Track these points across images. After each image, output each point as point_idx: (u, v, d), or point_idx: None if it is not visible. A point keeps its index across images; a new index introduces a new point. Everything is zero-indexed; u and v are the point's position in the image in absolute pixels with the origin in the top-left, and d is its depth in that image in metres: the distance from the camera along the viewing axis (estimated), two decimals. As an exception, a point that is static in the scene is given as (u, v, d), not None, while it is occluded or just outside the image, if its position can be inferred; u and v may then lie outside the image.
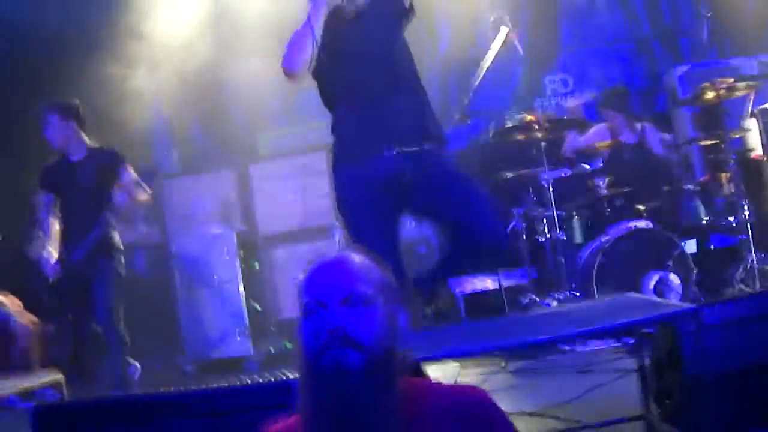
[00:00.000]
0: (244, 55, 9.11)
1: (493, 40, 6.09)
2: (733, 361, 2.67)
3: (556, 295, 6.27)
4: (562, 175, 6.74)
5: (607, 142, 7.05)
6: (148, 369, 8.28)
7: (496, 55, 5.82)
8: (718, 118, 7.26)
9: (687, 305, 2.64)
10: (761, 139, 6.95)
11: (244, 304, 7.51)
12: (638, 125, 7.27)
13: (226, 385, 2.60)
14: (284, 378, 2.35)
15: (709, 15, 6.30)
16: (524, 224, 6.91)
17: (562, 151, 7.25)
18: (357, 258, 2.01)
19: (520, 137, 6.67)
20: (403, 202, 3.91)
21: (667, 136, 7.33)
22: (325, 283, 1.94)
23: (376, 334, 1.89)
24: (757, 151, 7.04)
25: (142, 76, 8.91)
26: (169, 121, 9.73)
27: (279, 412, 2.01)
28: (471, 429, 1.87)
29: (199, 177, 9.21)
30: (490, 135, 8.77)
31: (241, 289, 7.53)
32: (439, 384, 2.10)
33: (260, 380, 2.60)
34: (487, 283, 7.60)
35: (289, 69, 4.07)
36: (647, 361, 3.22)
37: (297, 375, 1.95)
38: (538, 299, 6.61)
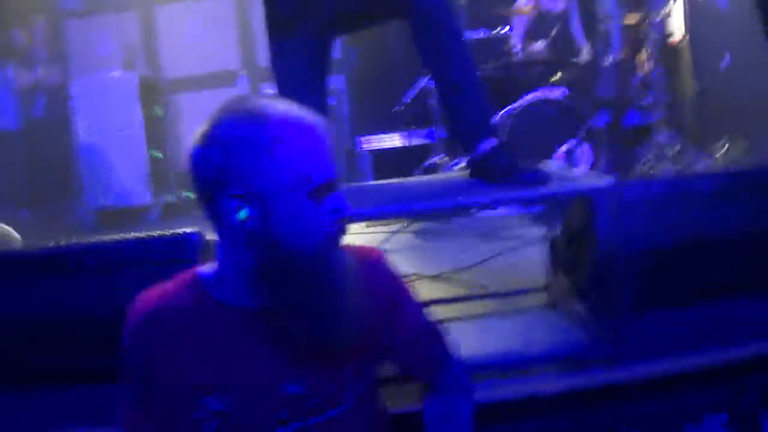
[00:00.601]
0: None
1: None
2: (648, 240, 2.63)
3: (464, 158, 6.17)
4: (480, 35, 6.54)
5: (530, 6, 6.86)
6: (45, 216, 8.10)
7: None
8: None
9: (606, 179, 2.54)
10: (685, 20, 6.86)
11: (145, 151, 7.24)
12: None
13: (117, 237, 2.40)
14: (179, 232, 2.17)
15: None
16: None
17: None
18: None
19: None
20: None
21: None
22: (332, 159, 1.63)
23: None
24: (677, 36, 6.96)
25: None
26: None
27: (171, 267, 1.83)
28: (367, 290, 1.70)
29: (103, 16, 8.80)
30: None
31: (143, 135, 7.25)
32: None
33: (154, 233, 2.41)
34: (396, 140, 7.49)
35: None
36: (557, 232, 3.16)
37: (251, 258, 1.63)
38: (448, 159, 6.52)
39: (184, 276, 1.75)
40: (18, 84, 8.38)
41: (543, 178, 2.62)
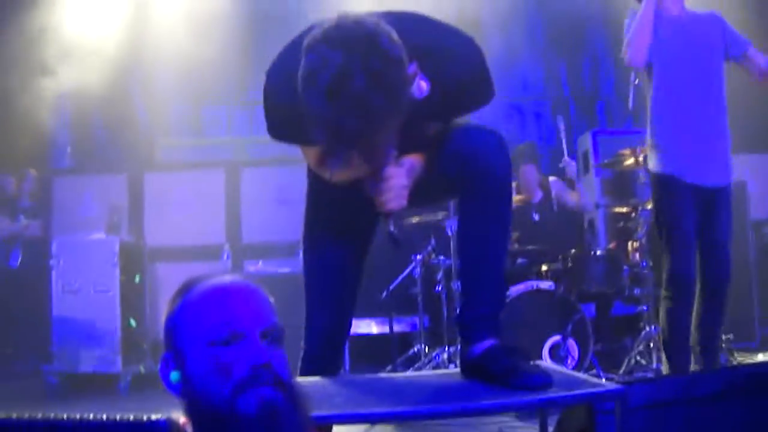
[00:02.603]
0: (155, 60, 8.91)
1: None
2: None
3: (447, 349, 6.06)
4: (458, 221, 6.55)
5: (517, 197, 6.94)
6: (12, 374, 7.87)
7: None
8: (631, 187, 7.23)
9: (611, 385, 2.41)
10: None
11: (119, 317, 7.08)
12: (545, 180, 7.20)
13: (78, 417, 2.21)
14: (144, 419, 1.99)
15: (639, 83, 6.22)
16: (422, 271, 6.74)
17: None
18: (258, 287, 1.74)
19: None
20: None
21: (573, 195, 7.26)
22: (244, 309, 1.65)
23: (289, 378, 1.64)
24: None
25: (49, 66, 8.70)
26: (69, 115, 9.41)
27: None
28: None
29: (91, 177, 8.90)
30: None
31: (119, 301, 7.10)
32: None
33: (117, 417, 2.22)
34: (374, 326, 7.39)
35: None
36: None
37: (187, 417, 1.68)
38: (427, 350, 6.44)
39: None
40: (-1, 231, 8.34)
41: (546, 382, 2.47)
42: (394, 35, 2.13)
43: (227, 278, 1.73)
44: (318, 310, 2.98)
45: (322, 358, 2.98)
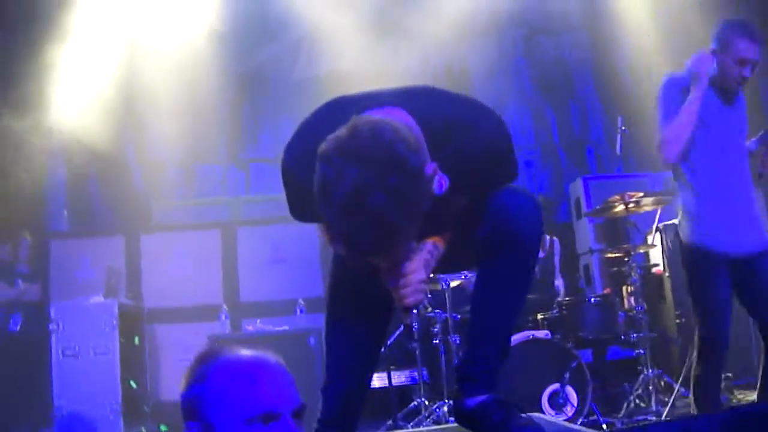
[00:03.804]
0: (149, 122, 8.98)
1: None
2: None
3: (447, 402, 6.07)
4: (462, 278, 6.59)
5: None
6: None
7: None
8: (624, 232, 7.29)
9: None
10: (663, 254, 6.96)
11: (119, 380, 7.08)
12: (547, 238, 7.22)
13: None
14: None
15: (625, 129, 6.30)
16: (419, 325, 6.72)
17: None
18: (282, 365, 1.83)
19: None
20: None
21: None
22: (278, 390, 1.75)
23: None
24: (659, 267, 7.04)
25: (43, 130, 8.76)
26: (65, 179, 9.45)
27: None
28: None
29: (88, 240, 8.89)
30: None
31: (118, 363, 7.11)
32: None
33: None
34: (375, 381, 7.39)
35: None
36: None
37: None
38: (427, 403, 6.44)
39: None
40: (-3, 297, 8.35)
41: None
42: (412, 138, 2.10)
43: (251, 353, 1.80)
44: (337, 376, 2.98)
45: (338, 424, 2.98)
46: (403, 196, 2.02)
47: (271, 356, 1.81)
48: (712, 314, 4.43)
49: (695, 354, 4.55)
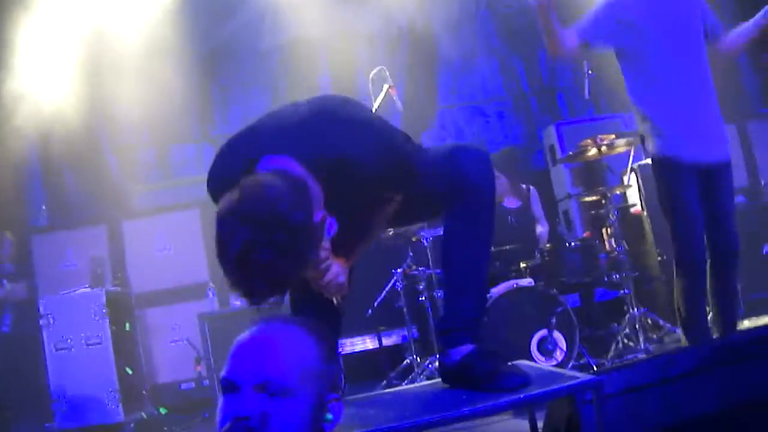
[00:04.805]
0: (117, 107, 8.95)
1: (372, 95, 5.98)
2: (634, 428, 2.63)
3: (438, 356, 6.12)
4: (442, 232, 6.65)
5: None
6: (17, 436, 7.92)
7: (376, 110, 5.70)
8: (599, 174, 7.35)
9: (586, 376, 2.53)
10: (640, 194, 7.03)
11: (115, 367, 7.12)
12: (523, 187, 7.26)
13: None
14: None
15: (592, 74, 6.32)
16: (404, 284, 6.81)
17: None
18: (288, 336, 1.82)
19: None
20: None
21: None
22: (242, 363, 1.77)
23: (290, 431, 1.72)
24: (637, 206, 7.11)
25: (14, 125, 8.71)
26: (41, 173, 9.43)
27: None
28: None
29: (69, 232, 8.90)
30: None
31: (112, 351, 7.14)
32: None
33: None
34: (366, 343, 7.48)
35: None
36: (540, 426, 3.09)
37: None
38: (419, 360, 6.51)
39: None
40: (-15, 299, 8.38)
41: (523, 382, 2.60)
42: (296, 194, 2.34)
43: (260, 328, 1.84)
44: None
45: None
46: (289, 249, 2.25)
47: (271, 330, 1.83)
48: (690, 227, 4.43)
49: (676, 276, 4.56)
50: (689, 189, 4.44)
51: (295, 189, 2.35)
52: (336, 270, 2.80)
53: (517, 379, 2.63)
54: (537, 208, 7.37)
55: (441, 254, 3.00)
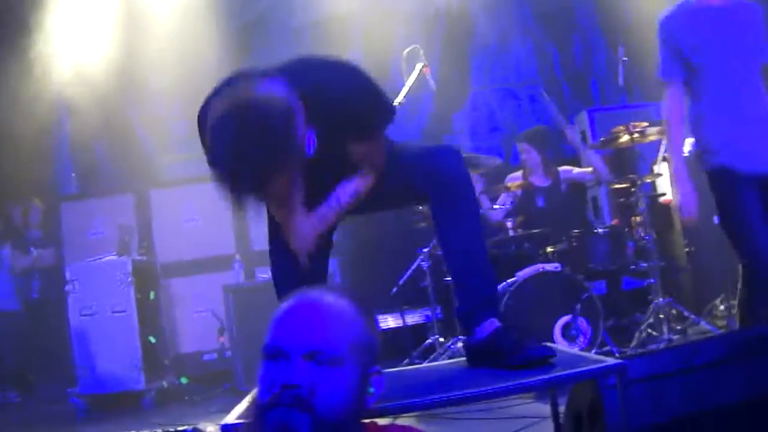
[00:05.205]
0: (149, 78, 8.98)
1: (405, 73, 5.95)
2: (656, 414, 2.62)
3: (461, 338, 6.13)
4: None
5: (519, 182, 7.00)
6: (39, 399, 8.01)
7: (409, 89, 5.68)
8: (630, 162, 7.29)
9: (610, 360, 2.52)
10: (671, 183, 6.95)
11: (138, 335, 7.17)
12: (554, 168, 7.19)
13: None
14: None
15: (626, 60, 6.26)
16: (430, 263, 6.81)
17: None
18: (337, 306, 1.83)
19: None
20: None
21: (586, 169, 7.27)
22: (291, 330, 1.76)
23: (337, 401, 1.72)
24: (667, 196, 7.06)
25: (46, 92, 8.78)
26: (70, 140, 9.49)
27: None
28: None
29: (98, 200, 8.97)
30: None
31: (136, 319, 7.20)
32: (377, 425, 1.97)
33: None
34: (389, 321, 7.49)
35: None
36: (562, 409, 3.09)
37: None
38: (442, 340, 6.52)
39: None
40: (14, 265, 8.46)
41: (548, 354, 2.62)
42: (283, 103, 2.48)
43: (307, 296, 1.85)
44: None
45: None
46: (275, 142, 2.40)
47: (321, 299, 1.83)
48: (748, 239, 4.27)
49: (739, 287, 4.39)
50: (748, 199, 4.28)
51: (282, 98, 2.47)
52: (306, 220, 2.96)
53: (543, 350, 2.65)
54: (577, 175, 7.23)
55: (442, 246, 3.13)
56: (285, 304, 1.82)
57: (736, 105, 4.33)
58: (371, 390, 1.85)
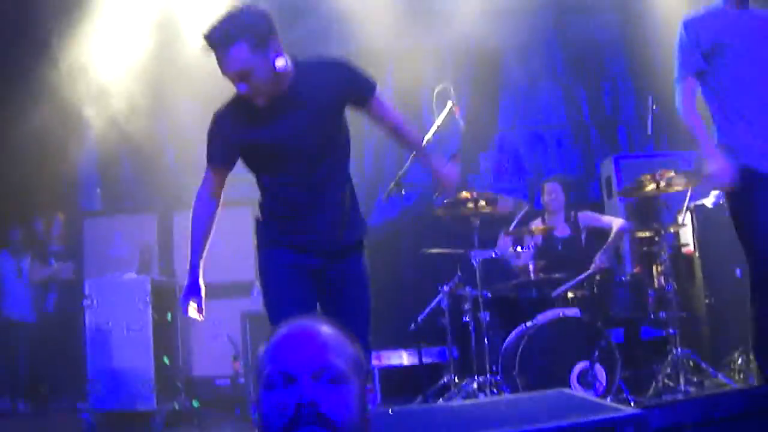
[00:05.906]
0: (180, 99, 9.02)
1: (435, 111, 5.97)
2: None
3: (477, 378, 6.10)
4: (492, 255, 6.62)
5: (542, 226, 7.00)
6: (49, 412, 8.00)
7: (438, 127, 5.70)
8: (655, 211, 7.26)
9: (630, 409, 2.49)
10: (694, 234, 6.95)
11: (152, 355, 7.17)
12: (572, 215, 7.21)
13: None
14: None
15: (656, 108, 6.25)
16: (449, 302, 6.76)
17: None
18: (329, 330, 1.88)
19: (454, 213, 6.52)
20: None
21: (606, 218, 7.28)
22: (294, 354, 1.80)
23: (349, 415, 1.77)
24: (689, 247, 7.03)
25: (75, 109, 8.82)
26: (98, 157, 9.54)
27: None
28: None
29: (121, 218, 9.01)
30: (425, 208, 8.64)
31: (151, 339, 7.20)
32: None
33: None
34: (404, 358, 7.45)
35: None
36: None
37: None
38: (457, 380, 6.48)
39: None
40: (32, 277, 8.50)
41: None
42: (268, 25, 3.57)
43: (298, 323, 1.89)
44: None
45: None
46: (256, 44, 3.52)
47: (311, 324, 1.88)
48: (757, 237, 4.21)
49: (751, 298, 4.25)
50: (764, 202, 4.22)
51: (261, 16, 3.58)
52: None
53: None
54: (597, 222, 7.27)
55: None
56: (279, 333, 1.86)
57: (758, 106, 4.34)
58: (368, 407, 1.89)
